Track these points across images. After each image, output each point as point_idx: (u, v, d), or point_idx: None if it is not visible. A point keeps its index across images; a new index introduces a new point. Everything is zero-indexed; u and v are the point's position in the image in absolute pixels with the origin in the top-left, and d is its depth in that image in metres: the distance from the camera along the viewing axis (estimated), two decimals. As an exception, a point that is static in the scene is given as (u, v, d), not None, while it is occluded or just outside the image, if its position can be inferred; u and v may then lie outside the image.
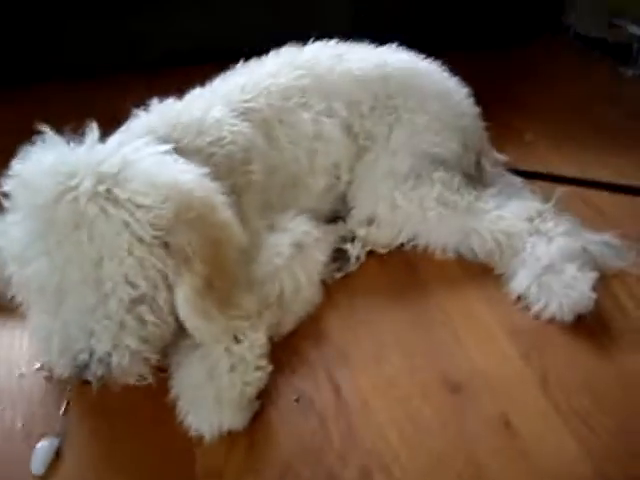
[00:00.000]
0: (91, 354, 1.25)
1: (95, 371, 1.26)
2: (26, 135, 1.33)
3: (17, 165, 1.29)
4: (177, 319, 1.32)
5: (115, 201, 1.22)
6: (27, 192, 1.25)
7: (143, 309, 1.27)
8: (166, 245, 1.25)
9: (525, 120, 2.32)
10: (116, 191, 1.22)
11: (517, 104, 2.43)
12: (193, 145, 1.47)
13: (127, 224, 1.22)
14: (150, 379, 1.34)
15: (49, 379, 1.43)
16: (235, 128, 1.56)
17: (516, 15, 2.86)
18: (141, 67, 2.61)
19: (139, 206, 1.22)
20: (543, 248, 1.62)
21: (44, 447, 1.30)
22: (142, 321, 1.28)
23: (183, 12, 2.60)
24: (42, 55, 2.55)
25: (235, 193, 1.46)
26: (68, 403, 1.38)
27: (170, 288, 1.28)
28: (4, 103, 2.42)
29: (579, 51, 2.88)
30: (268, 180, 1.60)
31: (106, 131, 1.39)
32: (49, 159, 1.27)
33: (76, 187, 1.22)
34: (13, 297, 1.38)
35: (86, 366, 1.26)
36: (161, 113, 1.54)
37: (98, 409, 1.38)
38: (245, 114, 1.60)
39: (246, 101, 1.61)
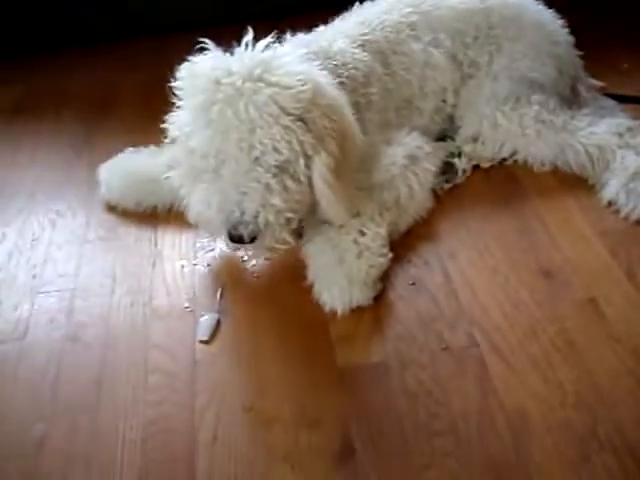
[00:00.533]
0: (243, 213, 1.51)
1: (246, 227, 1.52)
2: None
3: (182, 67, 1.58)
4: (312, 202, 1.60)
5: (266, 81, 1.49)
6: (192, 80, 1.54)
7: (286, 176, 1.53)
8: (305, 122, 1.51)
9: (622, 51, 2.46)
10: (266, 75, 1.50)
11: (614, 36, 2.56)
12: (322, 67, 1.69)
13: (275, 98, 1.48)
14: (292, 242, 1.61)
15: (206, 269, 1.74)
16: (357, 56, 1.80)
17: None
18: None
19: (284, 86, 1.49)
20: (632, 159, 1.81)
21: (207, 319, 1.60)
22: (285, 187, 1.53)
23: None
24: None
25: (358, 111, 1.72)
26: (223, 289, 1.68)
27: (308, 162, 1.54)
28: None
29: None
30: (385, 101, 1.85)
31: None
32: (209, 59, 1.55)
33: (234, 72, 1.50)
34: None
35: (239, 223, 1.52)
36: (292, 43, 1.78)
37: (248, 293, 1.69)
38: (364, 45, 1.84)
39: (364, 34, 1.85)
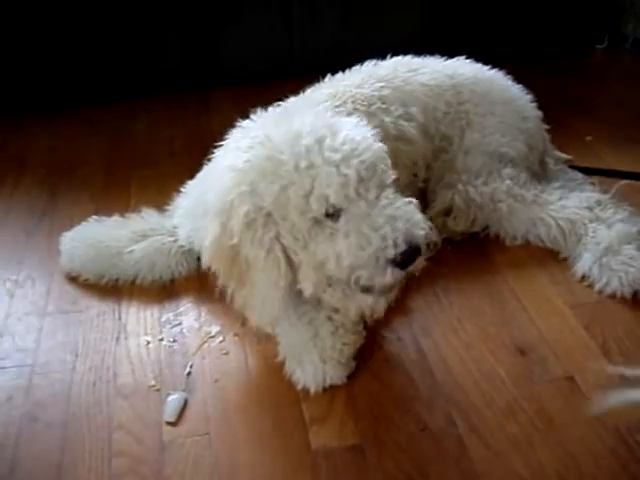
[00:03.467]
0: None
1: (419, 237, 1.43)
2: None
3: None
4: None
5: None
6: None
7: None
8: None
9: (585, 123, 2.52)
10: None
11: (578, 109, 2.63)
12: None
13: None
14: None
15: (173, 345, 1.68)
16: None
17: (576, 26, 3.05)
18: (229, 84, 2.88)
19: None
20: (603, 233, 1.81)
21: (174, 399, 1.54)
22: None
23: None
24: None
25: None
26: (190, 366, 1.62)
27: None
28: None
29: (637, 57, 3.06)
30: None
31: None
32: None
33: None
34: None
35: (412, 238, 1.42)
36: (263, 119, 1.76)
37: (217, 370, 1.62)
38: (334, 118, 1.82)
39: (336, 107, 1.84)
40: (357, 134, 1.48)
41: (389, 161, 1.52)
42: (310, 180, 1.41)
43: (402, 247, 1.40)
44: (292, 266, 1.49)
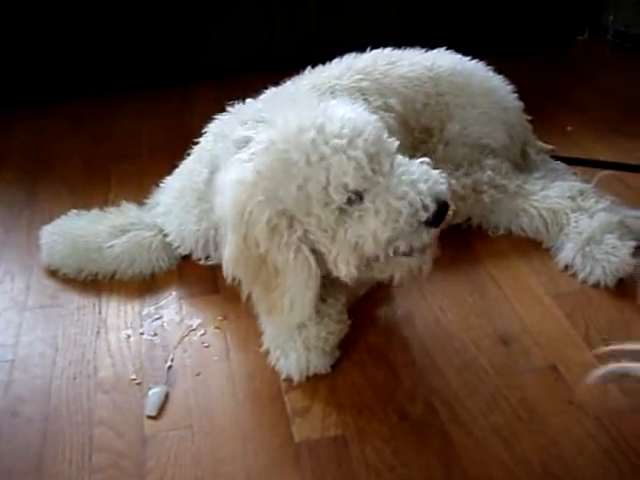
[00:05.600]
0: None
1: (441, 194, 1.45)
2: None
3: None
4: None
5: None
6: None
7: None
8: None
9: (566, 113, 2.53)
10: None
11: (559, 99, 2.64)
12: None
13: None
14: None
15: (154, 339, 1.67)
16: None
17: (557, 17, 3.07)
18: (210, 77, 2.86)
19: None
20: (585, 223, 1.81)
21: (155, 393, 1.52)
22: None
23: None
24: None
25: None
26: (171, 359, 1.61)
27: None
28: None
29: (617, 48, 3.09)
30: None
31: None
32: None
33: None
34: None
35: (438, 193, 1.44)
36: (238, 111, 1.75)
37: (198, 363, 1.61)
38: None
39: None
40: (351, 113, 1.48)
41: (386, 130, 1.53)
42: (325, 172, 1.40)
43: (432, 207, 1.42)
44: (321, 259, 1.49)
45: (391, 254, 1.46)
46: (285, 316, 1.50)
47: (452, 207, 1.49)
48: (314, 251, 1.47)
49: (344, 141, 1.41)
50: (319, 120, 1.44)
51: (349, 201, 1.42)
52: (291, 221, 1.44)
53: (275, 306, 1.50)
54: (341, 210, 1.43)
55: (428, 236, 1.45)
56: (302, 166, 1.41)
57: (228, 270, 1.51)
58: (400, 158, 1.48)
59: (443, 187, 1.46)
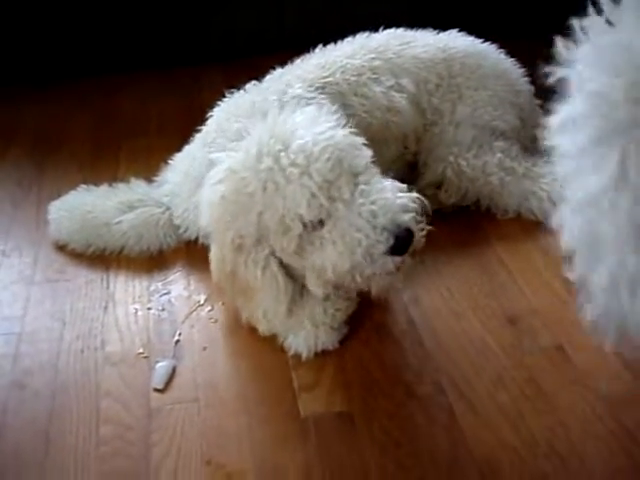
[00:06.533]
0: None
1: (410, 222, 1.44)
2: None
3: None
4: None
5: None
6: None
7: None
8: None
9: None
10: None
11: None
12: None
13: None
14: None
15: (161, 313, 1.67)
16: (313, 101, 1.75)
17: (572, 2, 3.02)
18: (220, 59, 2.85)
19: None
20: (594, 206, 1.80)
21: (162, 366, 1.53)
22: None
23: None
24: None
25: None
26: (179, 334, 1.61)
27: None
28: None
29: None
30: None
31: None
32: None
33: None
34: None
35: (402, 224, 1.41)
36: (254, 88, 1.76)
37: (206, 338, 1.61)
38: (323, 87, 1.80)
39: (324, 77, 1.82)
40: (311, 135, 1.44)
41: (359, 141, 1.51)
42: (281, 201, 1.41)
43: (391, 240, 1.40)
44: (294, 274, 1.52)
45: (358, 279, 1.44)
46: (262, 327, 1.54)
47: (419, 233, 1.46)
48: (285, 267, 1.50)
49: (297, 170, 1.40)
50: (277, 147, 1.43)
51: (312, 227, 1.42)
52: (259, 239, 1.47)
53: (252, 316, 1.54)
54: (300, 237, 1.43)
55: (393, 264, 1.43)
56: (260, 195, 1.42)
57: (214, 278, 1.56)
58: (367, 177, 1.46)
59: (406, 217, 1.43)
